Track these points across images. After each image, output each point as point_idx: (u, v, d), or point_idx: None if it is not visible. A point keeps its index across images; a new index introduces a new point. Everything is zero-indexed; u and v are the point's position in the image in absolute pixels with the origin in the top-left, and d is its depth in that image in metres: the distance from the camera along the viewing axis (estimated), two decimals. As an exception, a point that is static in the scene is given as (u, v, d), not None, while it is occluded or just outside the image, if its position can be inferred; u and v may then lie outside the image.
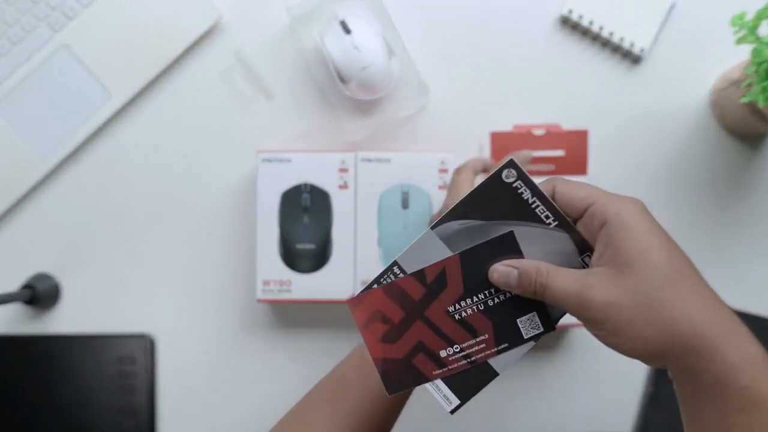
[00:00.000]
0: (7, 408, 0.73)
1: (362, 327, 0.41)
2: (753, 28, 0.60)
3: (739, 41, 0.61)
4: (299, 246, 0.68)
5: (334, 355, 0.72)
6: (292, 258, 0.68)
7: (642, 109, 0.73)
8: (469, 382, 0.41)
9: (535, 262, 0.38)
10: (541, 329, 0.40)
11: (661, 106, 0.73)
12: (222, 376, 0.74)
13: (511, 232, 0.39)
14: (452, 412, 0.41)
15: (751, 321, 0.71)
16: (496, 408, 0.73)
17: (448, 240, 0.40)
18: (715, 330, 0.34)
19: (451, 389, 0.41)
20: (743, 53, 0.65)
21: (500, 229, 0.39)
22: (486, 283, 0.40)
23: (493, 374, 0.41)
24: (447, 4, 0.74)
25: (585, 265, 0.39)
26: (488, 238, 0.39)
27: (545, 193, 0.39)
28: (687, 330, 0.34)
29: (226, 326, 0.74)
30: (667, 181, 0.73)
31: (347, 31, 0.68)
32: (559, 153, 0.68)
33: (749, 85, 0.63)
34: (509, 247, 0.39)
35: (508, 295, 0.40)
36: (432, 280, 0.40)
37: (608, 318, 0.35)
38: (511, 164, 0.39)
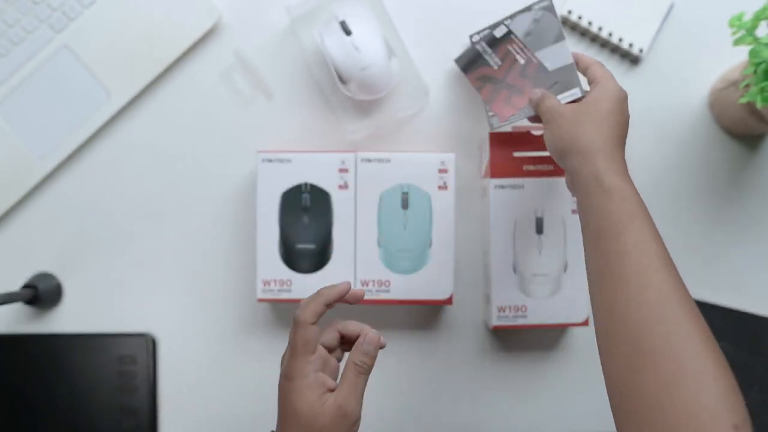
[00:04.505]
0: (7, 407, 0.73)
1: None
2: (751, 29, 0.60)
3: (737, 42, 0.61)
4: (299, 246, 0.68)
5: (334, 354, 0.73)
6: (292, 258, 0.68)
7: (641, 109, 0.73)
8: None
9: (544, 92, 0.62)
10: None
11: (660, 107, 0.74)
12: (223, 375, 0.74)
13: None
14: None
15: (750, 320, 0.72)
16: (496, 407, 0.73)
17: None
18: (597, 149, 0.54)
19: None
20: (742, 54, 0.65)
21: None
22: None
23: None
24: (447, 4, 0.74)
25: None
26: None
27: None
28: (584, 142, 0.55)
29: (226, 325, 0.74)
30: (665, 181, 0.74)
31: (347, 32, 0.68)
32: (558, 153, 0.69)
33: (747, 86, 0.63)
34: None
35: None
36: None
37: (554, 121, 0.58)
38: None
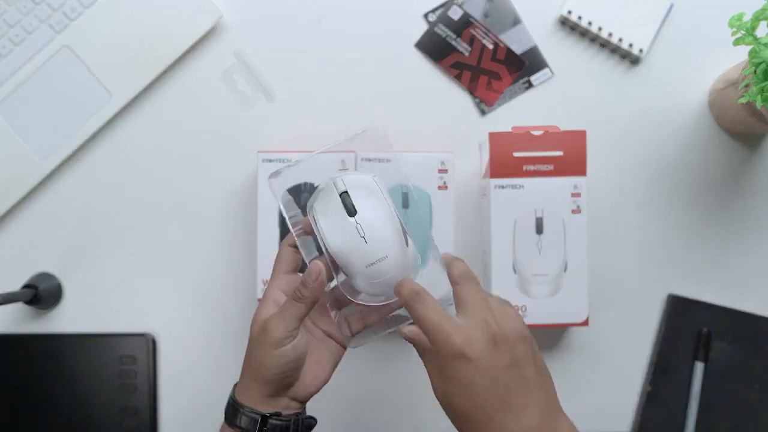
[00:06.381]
0: (8, 407, 0.73)
1: None
2: (751, 29, 0.60)
3: (737, 42, 0.61)
4: (300, 246, 0.68)
5: (334, 354, 0.72)
6: (292, 258, 0.68)
7: (641, 109, 0.73)
8: None
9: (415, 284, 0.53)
10: None
11: (660, 107, 0.74)
12: (223, 375, 0.74)
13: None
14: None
15: (750, 320, 0.72)
16: (496, 407, 0.73)
17: None
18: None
19: None
20: (741, 54, 0.65)
21: None
22: None
23: None
24: (447, 4, 0.74)
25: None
26: None
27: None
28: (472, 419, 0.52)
29: (226, 325, 0.74)
30: (665, 181, 0.74)
31: (351, 211, 0.52)
32: (557, 154, 0.69)
33: (747, 86, 0.63)
34: None
35: None
36: None
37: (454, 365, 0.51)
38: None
